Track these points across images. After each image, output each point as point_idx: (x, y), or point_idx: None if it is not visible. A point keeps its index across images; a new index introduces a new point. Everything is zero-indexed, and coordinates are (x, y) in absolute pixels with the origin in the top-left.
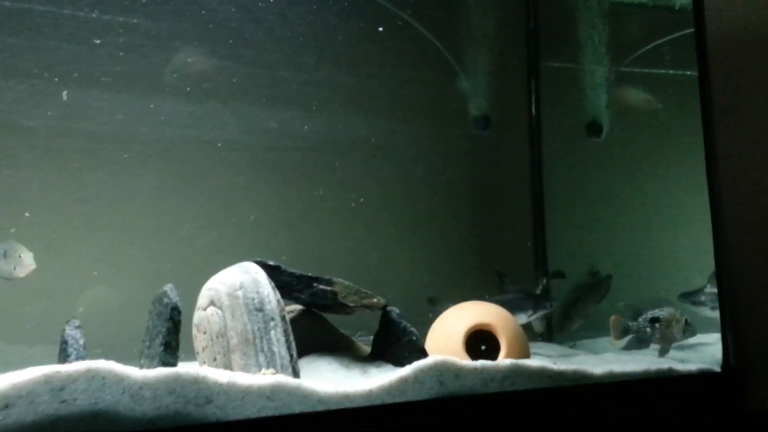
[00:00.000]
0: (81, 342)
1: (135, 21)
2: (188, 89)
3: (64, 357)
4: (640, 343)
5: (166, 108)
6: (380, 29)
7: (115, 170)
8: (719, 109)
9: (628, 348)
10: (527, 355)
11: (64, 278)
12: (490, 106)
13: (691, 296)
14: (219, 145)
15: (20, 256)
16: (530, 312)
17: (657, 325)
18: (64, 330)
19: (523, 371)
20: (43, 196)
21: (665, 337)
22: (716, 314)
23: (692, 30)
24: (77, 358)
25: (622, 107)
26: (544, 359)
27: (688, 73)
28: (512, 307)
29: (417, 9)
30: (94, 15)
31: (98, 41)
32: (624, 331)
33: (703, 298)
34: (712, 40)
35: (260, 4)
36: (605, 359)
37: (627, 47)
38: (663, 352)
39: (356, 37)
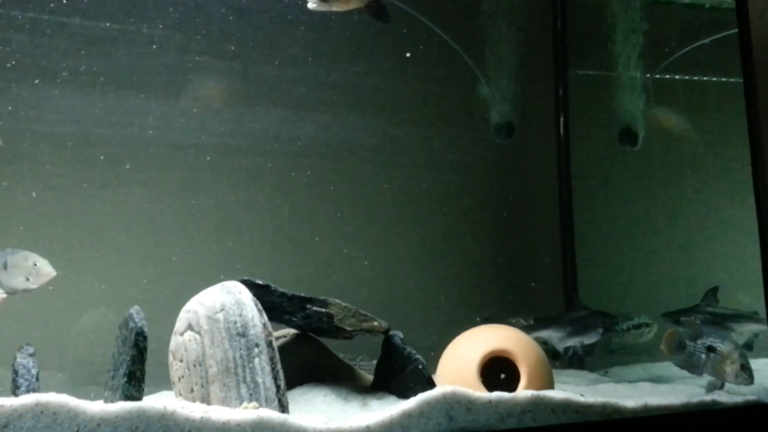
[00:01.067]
0: (34, 372)
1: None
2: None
3: (14, 388)
4: (690, 366)
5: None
6: (407, 43)
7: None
8: (765, 112)
9: (679, 364)
10: (551, 386)
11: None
12: (514, 113)
13: (675, 315)
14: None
15: (35, 265)
16: (601, 330)
17: (711, 355)
18: (14, 358)
19: (545, 404)
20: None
21: (716, 371)
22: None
23: (735, 31)
24: (28, 390)
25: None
26: (570, 390)
27: (732, 80)
28: (583, 325)
29: (436, 12)
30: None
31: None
32: (678, 348)
33: (693, 317)
34: (757, 39)
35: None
36: (640, 389)
37: (663, 50)
38: (710, 389)
39: (377, 42)
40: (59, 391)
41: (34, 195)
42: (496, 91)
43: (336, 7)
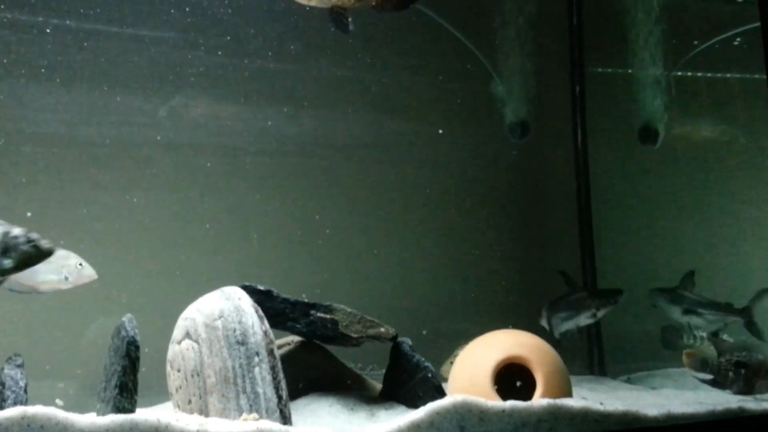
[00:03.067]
0: (21, 383)
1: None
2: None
3: (0, 400)
4: (717, 384)
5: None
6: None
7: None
8: None
9: (708, 383)
10: (569, 393)
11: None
12: (529, 112)
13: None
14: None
15: (80, 265)
16: (594, 310)
17: (742, 371)
18: (2, 369)
19: (562, 413)
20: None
21: (749, 386)
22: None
23: (757, 25)
24: (15, 403)
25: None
26: (589, 398)
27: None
28: (577, 306)
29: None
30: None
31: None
32: (702, 366)
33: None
34: None
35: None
36: (664, 396)
37: (683, 46)
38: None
39: (393, 41)
40: (64, 401)
41: (29, 215)
42: (510, 89)
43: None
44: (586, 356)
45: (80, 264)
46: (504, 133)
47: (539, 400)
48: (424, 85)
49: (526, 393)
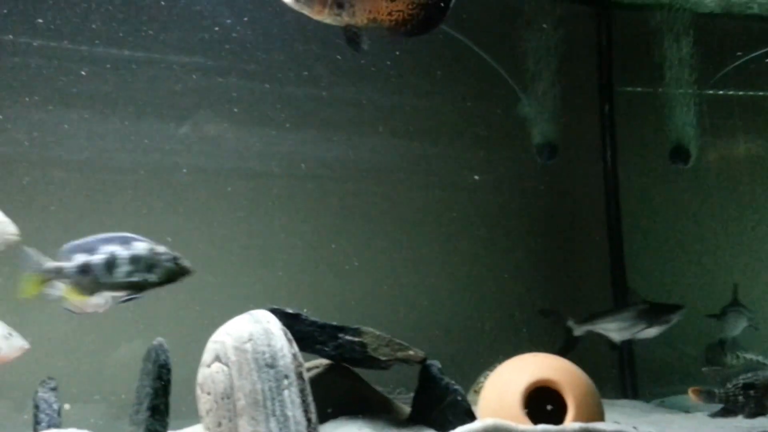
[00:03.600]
0: (55, 406)
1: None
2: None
3: (35, 423)
4: (729, 412)
5: None
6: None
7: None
8: None
9: (715, 417)
10: (601, 417)
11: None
12: (557, 133)
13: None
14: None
15: (10, 335)
16: (663, 323)
17: (751, 392)
18: (36, 392)
19: None
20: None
21: (762, 406)
22: None
23: None
24: (49, 425)
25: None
26: (621, 422)
27: None
28: (637, 320)
29: (476, 31)
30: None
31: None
32: (708, 396)
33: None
34: None
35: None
36: (698, 420)
37: (714, 64)
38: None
39: (420, 65)
40: (95, 424)
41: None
42: (538, 110)
43: (308, 12)
44: (618, 379)
45: (10, 334)
46: (532, 155)
47: (571, 424)
48: (451, 109)
49: (557, 417)
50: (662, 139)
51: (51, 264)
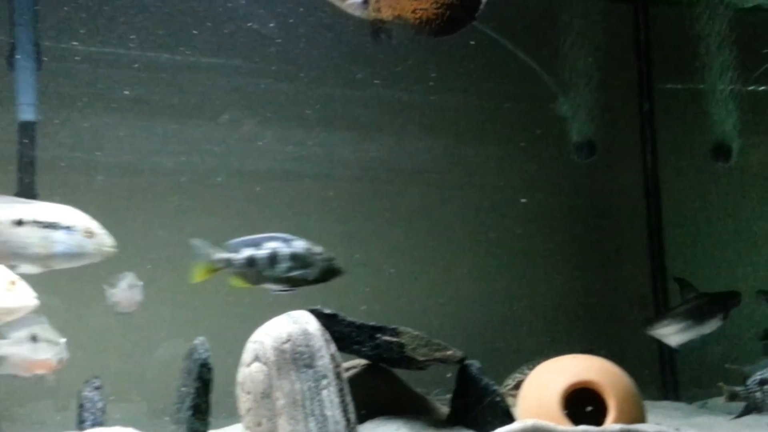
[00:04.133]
0: (99, 405)
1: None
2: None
3: (79, 422)
4: (751, 409)
5: None
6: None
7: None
8: None
9: (740, 416)
10: (642, 419)
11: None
12: (595, 131)
13: None
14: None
15: None
16: (722, 315)
17: (766, 387)
18: (81, 391)
19: None
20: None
21: None
22: None
23: None
24: (94, 424)
25: None
26: (663, 424)
27: None
28: (700, 314)
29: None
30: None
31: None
32: (732, 399)
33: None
34: None
35: None
36: (741, 423)
37: (755, 59)
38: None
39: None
40: (136, 422)
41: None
42: (576, 108)
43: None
44: (660, 380)
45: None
46: (570, 154)
47: (612, 426)
48: (488, 109)
49: (597, 419)
50: (702, 137)
51: (221, 255)
